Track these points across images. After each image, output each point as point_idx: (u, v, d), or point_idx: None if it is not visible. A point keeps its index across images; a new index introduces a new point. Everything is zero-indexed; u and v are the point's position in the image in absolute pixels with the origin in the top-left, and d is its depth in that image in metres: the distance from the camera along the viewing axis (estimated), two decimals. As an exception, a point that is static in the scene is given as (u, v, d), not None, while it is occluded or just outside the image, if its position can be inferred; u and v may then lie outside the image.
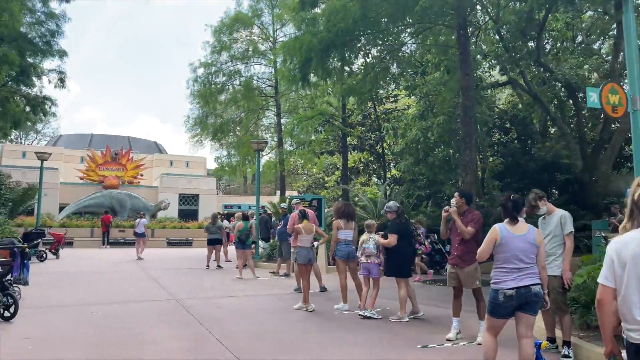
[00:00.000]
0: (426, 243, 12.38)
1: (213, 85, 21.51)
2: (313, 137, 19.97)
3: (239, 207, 49.68)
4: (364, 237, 7.79)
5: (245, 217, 12.88)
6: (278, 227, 13.55)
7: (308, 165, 24.10)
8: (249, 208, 49.26)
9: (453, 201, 6.14)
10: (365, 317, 7.39)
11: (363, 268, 7.71)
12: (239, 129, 21.47)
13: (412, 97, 21.07)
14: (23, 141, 55.94)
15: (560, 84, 15.93)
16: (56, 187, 36.32)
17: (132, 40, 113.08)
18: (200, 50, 67.66)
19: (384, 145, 18.25)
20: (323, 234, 8.57)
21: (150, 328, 6.74)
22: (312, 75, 13.54)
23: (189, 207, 41.11)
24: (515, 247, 4.11)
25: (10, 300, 6.99)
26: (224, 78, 22.09)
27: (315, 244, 8.63)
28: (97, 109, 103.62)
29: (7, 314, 6.98)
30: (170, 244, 27.90)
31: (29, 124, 21.46)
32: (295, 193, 53.86)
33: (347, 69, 14.44)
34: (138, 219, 19.56)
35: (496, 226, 4.25)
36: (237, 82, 22.41)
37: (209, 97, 21.08)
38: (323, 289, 10.06)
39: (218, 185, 48.04)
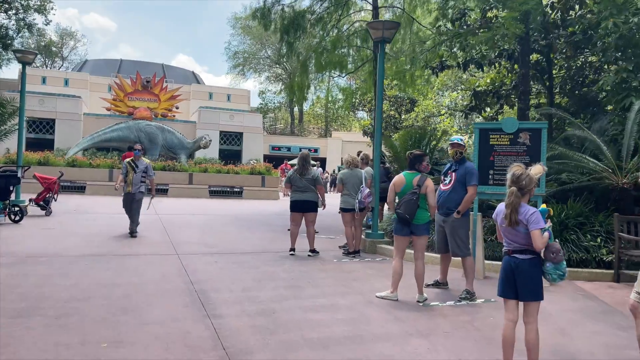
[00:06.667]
0: None
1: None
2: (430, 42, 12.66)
3: (288, 148, 43.24)
4: None
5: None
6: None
7: (416, 86, 16.69)
8: (300, 150, 42.89)
9: None
10: None
11: None
12: (319, 28, 14.18)
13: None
14: (49, 68, 50.29)
15: None
16: (79, 118, 30.83)
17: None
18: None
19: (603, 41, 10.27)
20: None
21: None
22: None
23: (231, 147, 35.09)
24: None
25: None
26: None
27: None
28: (133, 48, 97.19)
29: None
30: (214, 193, 21.48)
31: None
32: (341, 138, 46.18)
33: None
34: None
35: None
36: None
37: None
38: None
39: (262, 124, 41.27)
